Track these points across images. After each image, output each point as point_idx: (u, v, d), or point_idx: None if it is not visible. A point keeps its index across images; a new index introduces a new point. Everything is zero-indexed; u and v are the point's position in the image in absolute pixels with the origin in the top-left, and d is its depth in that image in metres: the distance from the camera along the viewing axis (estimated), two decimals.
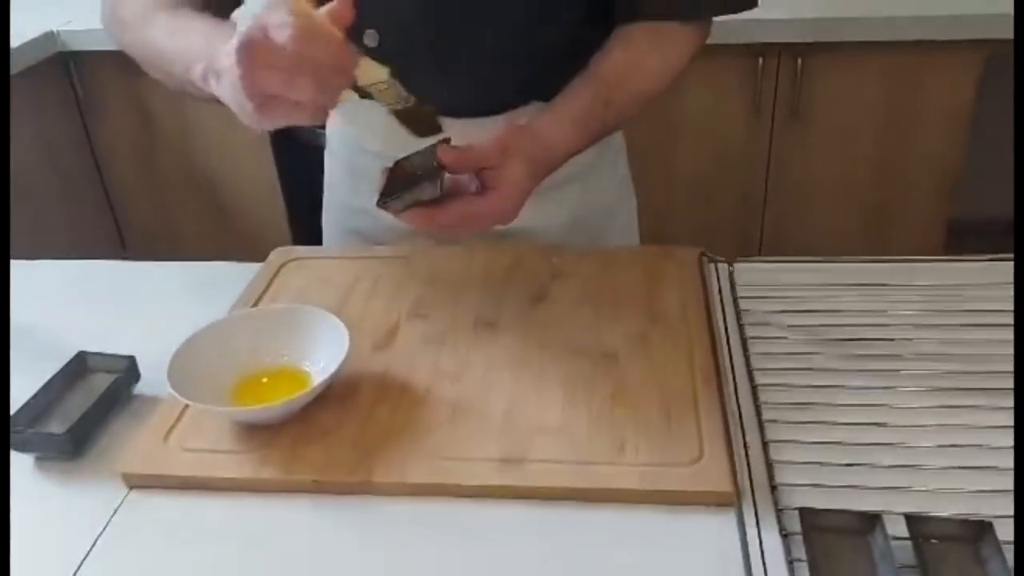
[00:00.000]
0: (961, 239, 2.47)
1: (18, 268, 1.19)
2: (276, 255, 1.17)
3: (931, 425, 0.84)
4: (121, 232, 2.59)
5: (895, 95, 2.18)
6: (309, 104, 0.79)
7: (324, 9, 0.78)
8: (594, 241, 1.25)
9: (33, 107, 2.26)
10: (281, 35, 0.74)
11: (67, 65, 2.33)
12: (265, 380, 0.92)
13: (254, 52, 0.76)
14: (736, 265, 1.09)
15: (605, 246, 1.24)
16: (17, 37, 2.18)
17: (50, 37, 2.26)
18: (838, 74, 2.16)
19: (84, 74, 2.35)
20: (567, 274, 1.09)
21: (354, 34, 1.07)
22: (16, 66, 2.14)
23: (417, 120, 0.89)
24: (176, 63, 0.91)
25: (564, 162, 1.01)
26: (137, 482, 0.83)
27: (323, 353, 0.92)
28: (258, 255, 1.17)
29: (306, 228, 1.45)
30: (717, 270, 1.09)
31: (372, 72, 0.82)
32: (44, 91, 2.31)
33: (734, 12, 1.07)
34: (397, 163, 0.92)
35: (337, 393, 0.89)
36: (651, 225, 1.38)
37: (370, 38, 1.08)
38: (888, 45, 2.10)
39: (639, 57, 1.07)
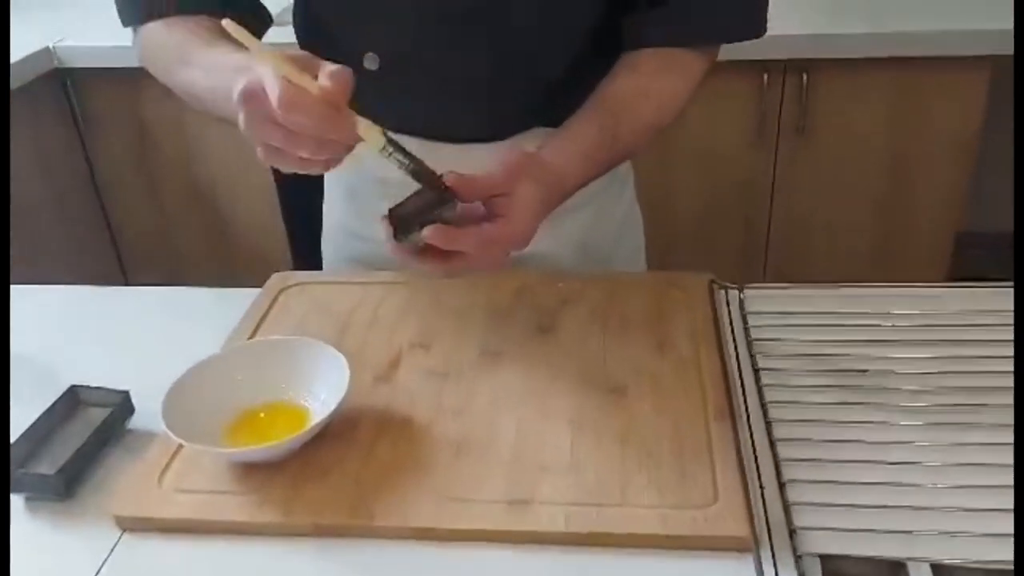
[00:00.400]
0: (969, 252, 2.44)
1: (13, 292, 1.16)
2: (275, 280, 1.14)
3: (951, 464, 0.81)
4: (119, 251, 2.56)
5: (902, 111, 2.16)
6: (313, 160, 0.78)
7: (318, 83, 0.75)
8: (602, 266, 1.22)
9: (29, 125, 2.23)
10: (271, 97, 0.73)
11: (63, 82, 2.30)
12: (263, 415, 0.90)
13: (253, 106, 0.75)
14: (746, 291, 1.06)
15: (612, 272, 1.22)
16: (12, 53, 2.15)
17: (46, 53, 2.23)
18: (844, 91, 2.13)
19: (81, 91, 2.32)
20: (574, 301, 1.06)
21: (354, 57, 1.06)
22: (11, 83, 2.11)
23: (429, 182, 0.86)
24: (216, 101, 0.90)
25: (574, 191, 0.98)
26: (131, 525, 0.80)
27: (323, 387, 0.89)
28: (259, 272, 1.15)
29: (307, 246, 1.42)
30: (727, 296, 1.07)
31: (369, 137, 0.80)
32: (40, 108, 2.28)
33: (742, 40, 1.05)
34: (391, 210, 0.87)
35: (337, 429, 0.87)
36: (654, 246, 1.35)
37: (370, 61, 1.06)
38: (895, 61, 2.08)
39: (646, 84, 1.04)
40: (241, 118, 0.77)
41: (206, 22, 1.01)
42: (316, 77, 0.76)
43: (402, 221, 0.85)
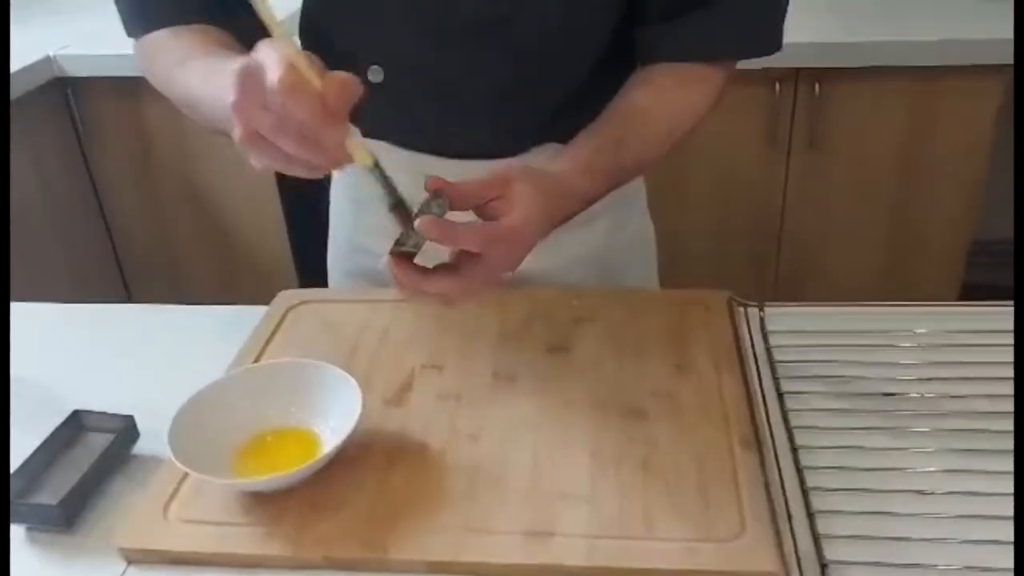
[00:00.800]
0: (983, 260, 2.41)
1: (14, 310, 1.13)
2: (281, 298, 1.11)
3: (984, 493, 0.78)
4: (120, 264, 2.53)
5: (916, 120, 2.13)
6: (297, 159, 0.73)
7: (325, 80, 0.71)
8: (614, 280, 1.20)
9: (29, 136, 2.20)
10: (272, 77, 0.69)
11: (65, 91, 2.28)
12: (271, 440, 0.87)
13: (249, 84, 0.71)
14: (767, 309, 1.03)
15: (628, 289, 1.19)
16: (12, 62, 2.12)
17: (47, 62, 2.20)
18: (858, 101, 2.10)
19: (82, 101, 2.29)
20: (588, 319, 1.03)
21: (358, 68, 1.03)
22: (11, 93, 2.08)
23: (406, 220, 0.80)
24: (212, 106, 0.86)
25: (581, 206, 0.94)
26: (135, 557, 0.77)
27: (333, 411, 0.87)
28: (263, 283, 1.12)
29: (312, 256, 1.40)
30: (747, 315, 1.04)
31: (359, 155, 0.76)
32: (40, 119, 2.25)
33: (757, 56, 1.02)
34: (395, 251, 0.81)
35: (348, 455, 0.84)
36: (664, 258, 1.32)
37: (374, 73, 1.03)
38: (909, 70, 2.05)
39: (656, 97, 1.01)
40: (232, 95, 0.71)
41: (214, 33, 0.99)
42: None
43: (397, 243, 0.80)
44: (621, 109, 1.00)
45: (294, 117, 0.70)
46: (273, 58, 0.70)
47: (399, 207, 0.79)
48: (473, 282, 0.82)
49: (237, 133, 0.73)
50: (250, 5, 1.08)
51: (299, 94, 0.69)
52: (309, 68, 0.71)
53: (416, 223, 0.78)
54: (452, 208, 0.81)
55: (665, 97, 1.02)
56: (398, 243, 0.80)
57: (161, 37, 1.01)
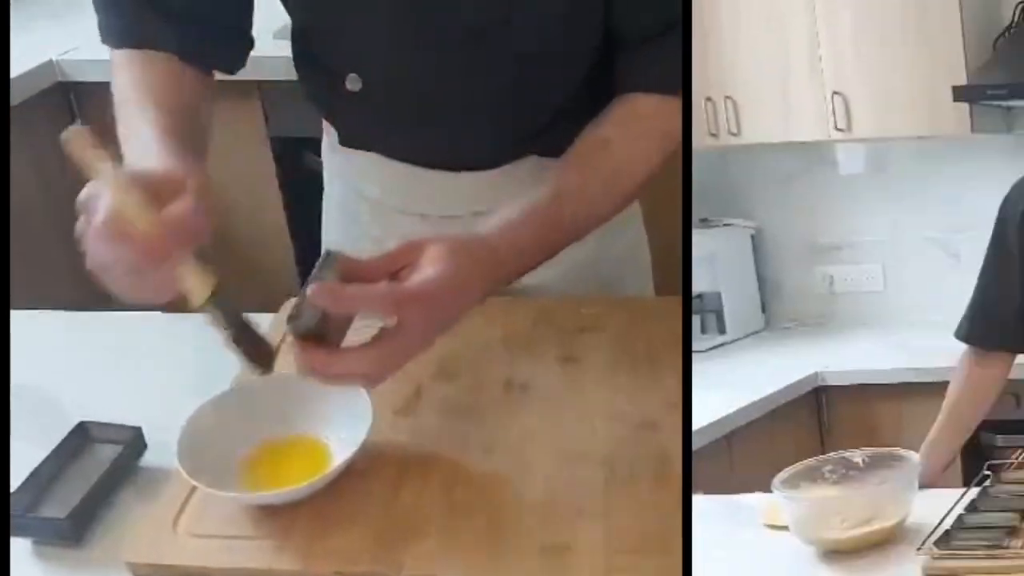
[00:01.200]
0: None
1: (16, 319, 1.12)
2: (288, 306, 1.10)
3: None
4: None
5: None
6: (132, 288, 0.74)
7: (160, 217, 0.71)
8: (610, 289, 1.18)
9: (29, 137, 2.18)
10: (98, 216, 0.70)
11: (67, 95, 2.26)
12: (281, 450, 0.87)
13: (85, 215, 0.72)
14: None
15: (635, 297, 1.18)
16: (13, 67, 2.10)
17: (49, 67, 2.18)
18: None
19: (85, 104, 2.27)
20: (596, 328, 1.02)
21: (337, 76, 1.02)
22: (12, 98, 2.06)
23: (254, 352, 0.77)
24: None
25: (520, 262, 0.90)
26: (145, 572, 0.77)
27: (342, 421, 0.86)
28: (264, 288, 1.11)
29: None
30: None
31: (195, 286, 0.74)
32: (42, 121, 2.22)
33: None
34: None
35: (357, 466, 0.83)
36: (663, 263, 1.31)
37: (352, 82, 1.02)
38: None
39: (627, 129, 0.98)
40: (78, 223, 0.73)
41: (175, 67, 0.98)
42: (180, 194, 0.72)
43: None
44: (577, 152, 0.97)
45: (120, 258, 0.71)
46: (106, 196, 0.71)
47: (243, 339, 0.76)
48: (393, 353, 0.78)
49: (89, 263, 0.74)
50: (239, 38, 1.07)
51: (119, 241, 0.70)
52: (142, 207, 0.70)
53: (308, 292, 0.73)
54: (364, 281, 0.77)
55: (634, 129, 0.99)
56: (291, 319, 0.76)
57: (129, 57, 0.99)
